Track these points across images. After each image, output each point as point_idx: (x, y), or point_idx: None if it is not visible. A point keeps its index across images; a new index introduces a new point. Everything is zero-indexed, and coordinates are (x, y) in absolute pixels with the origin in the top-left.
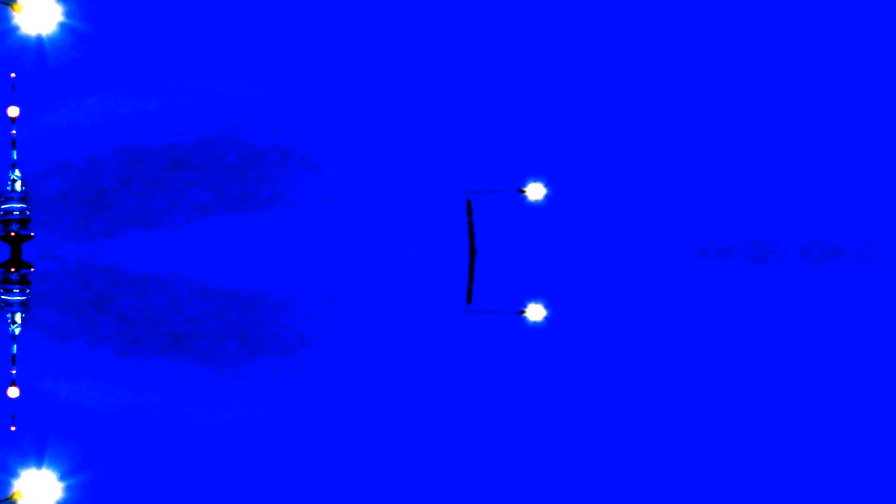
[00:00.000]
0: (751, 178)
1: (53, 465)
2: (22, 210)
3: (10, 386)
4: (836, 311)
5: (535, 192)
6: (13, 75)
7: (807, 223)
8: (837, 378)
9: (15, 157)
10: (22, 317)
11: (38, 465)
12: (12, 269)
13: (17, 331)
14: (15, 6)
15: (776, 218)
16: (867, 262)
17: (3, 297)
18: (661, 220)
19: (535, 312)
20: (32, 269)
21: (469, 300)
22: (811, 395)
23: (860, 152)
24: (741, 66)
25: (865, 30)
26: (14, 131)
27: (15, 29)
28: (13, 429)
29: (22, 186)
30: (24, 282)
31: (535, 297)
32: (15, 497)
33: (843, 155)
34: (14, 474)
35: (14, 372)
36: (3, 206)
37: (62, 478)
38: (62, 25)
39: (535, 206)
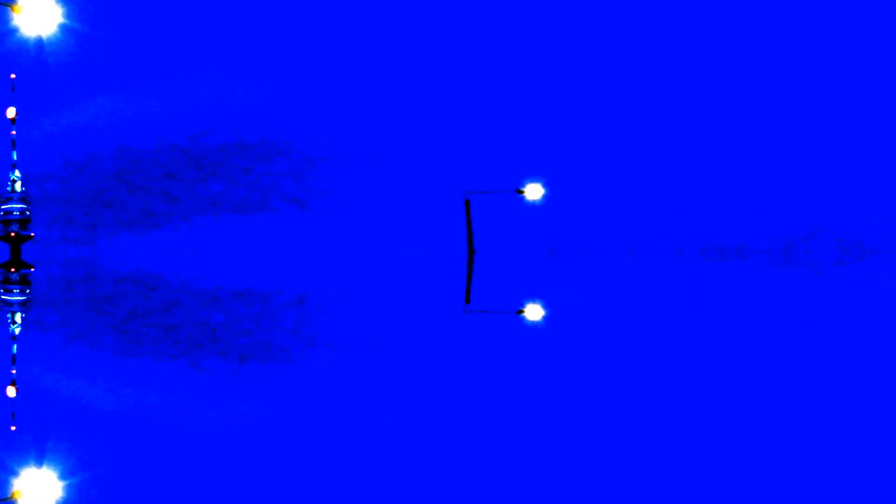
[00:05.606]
0: (747, 179)
1: (53, 464)
2: (22, 210)
3: (10, 385)
4: (828, 312)
5: (534, 192)
6: (13, 76)
7: (801, 225)
8: (830, 379)
9: (15, 157)
10: (22, 317)
11: (38, 464)
12: (12, 269)
13: (17, 331)
14: (15, 7)
15: (774, 219)
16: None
17: (3, 297)
18: (658, 219)
19: (534, 312)
20: (32, 269)
21: (467, 300)
22: (807, 396)
23: (851, 156)
24: (735, 68)
25: (853, 39)
26: (14, 132)
27: (15, 30)
28: (13, 428)
29: (22, 187)
30: (24, 282)
31: (533, 296)
32: (15, 496)
33: (835, 157)
34: (14, 473)
35: (14, 372)
36: (3, 207)
37: (62, 477)
38: (62, 27)
39: (533, 207)
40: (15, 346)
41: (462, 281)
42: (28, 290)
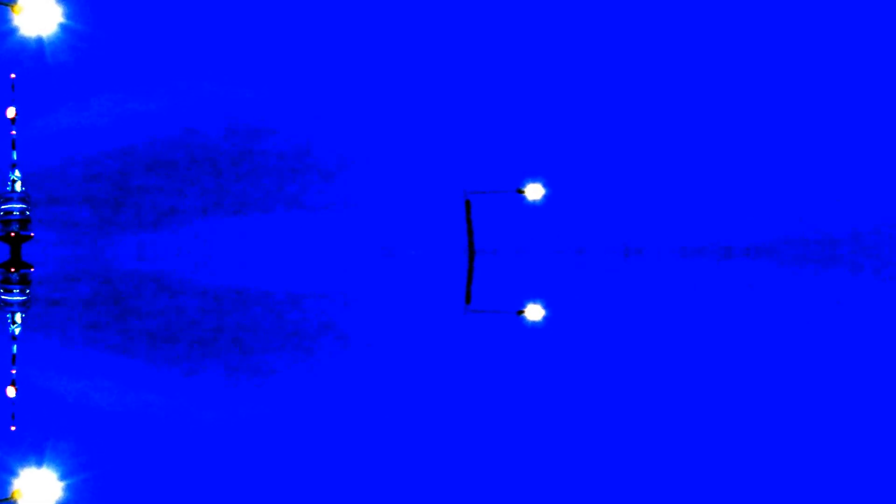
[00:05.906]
0: (747, 179)
1: (53, 464)
2: (22, 210)
3: (10, 385)
4: (827, 311)
5: (534, 192)
6: (13, 76)
7: (802, 224)
8: (828, 378)
9: (15, 157)
10: (22, 317)
11: (38, 464)
12: (12, 269)
13: (17, 331)
14: (15, 7)
15: (774, 219)
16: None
17: (3, 297)
18: (659, 219)
19: (534, 312)
20: (32, 269)
21: (468, 300)
22: (806, 396)
23: (849, 157)
24: (736, 68)
25: (846, 44)
26: (14, 132)
27: (15, 30)
28: (13, 428)
29: (22, 187)
30: (24, 282)
31: (533, 296)
32: (14, 496)
33: (833, 158)
34: (14, 473)
35: (14, 372)
36: (3, 207)
37: (62, 477)
38: (62, 27)
39: (533, 207)
40: (15, 346)
41: (462, 281)
42: (28, 290)
